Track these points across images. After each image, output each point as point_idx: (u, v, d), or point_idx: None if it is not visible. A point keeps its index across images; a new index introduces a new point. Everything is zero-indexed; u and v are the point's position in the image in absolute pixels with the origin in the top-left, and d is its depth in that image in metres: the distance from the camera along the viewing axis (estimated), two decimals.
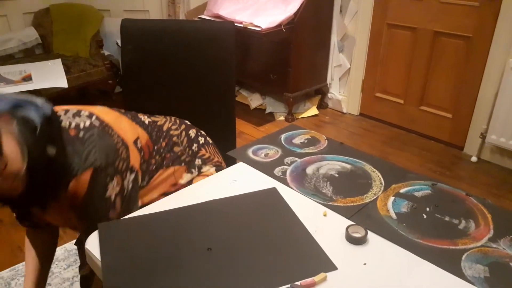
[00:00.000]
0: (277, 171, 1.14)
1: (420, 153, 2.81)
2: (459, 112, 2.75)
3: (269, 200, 1.01)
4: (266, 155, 1.22)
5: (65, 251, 1.93)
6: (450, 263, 0.83)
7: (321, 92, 3.49)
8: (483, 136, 2.59)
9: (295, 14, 2.92)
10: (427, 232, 0.91)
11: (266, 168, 1.15)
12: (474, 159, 2.67)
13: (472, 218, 0.96)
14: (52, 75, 2.55)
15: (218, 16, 3.16)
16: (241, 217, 0.95)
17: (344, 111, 3.42)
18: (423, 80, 2.89)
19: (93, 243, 0.86)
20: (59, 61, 2.80)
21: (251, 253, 0.84)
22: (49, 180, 0.86)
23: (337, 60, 3.31)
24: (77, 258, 1.88)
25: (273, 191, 1.04)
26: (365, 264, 0.82)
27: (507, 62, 2.33)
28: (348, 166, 1.17)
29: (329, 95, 3.48)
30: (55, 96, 3.22)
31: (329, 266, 0.82)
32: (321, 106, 3.50)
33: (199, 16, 3.35)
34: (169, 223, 0.93)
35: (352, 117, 3.38)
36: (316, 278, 0.78)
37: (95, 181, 0.91)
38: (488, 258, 0.84)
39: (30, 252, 1.20)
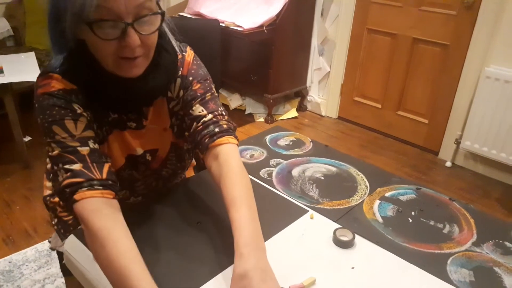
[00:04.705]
0: (263, 172, 1.12)
1: (396, 157, 2.85)
2: (435, 118, 2.81)
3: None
4: (252, 156, 1.20)
5: (36, 251, 1.85)
6: (436, 267, 0.83)
7: (301, 95, 3.50)
8: (457, 142, 2.65)
9: (277, 15, 2.92)
10: (413, 236, 0.92)
11: (252, 169, 1.13)
12: (448, 164, 2.74)
13: (456, 223, 0.97)
14: (25, 68, 2.45)
15: (199, 15, 3.13)
16: (211, 194, 1.01)
17: (323, 114, 3.44)
18: (401, 86, 2.94)
19: (72, 246, 0.82)
20: (32, 54, 2.68)
21: None
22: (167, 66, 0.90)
23: (317, 63, 3.33)
24: (49, 259, 1.81)
25: None
26: (353, 268, 0.82)
27: (482, 71, 2.40)
28: (334, 169, 1.17)
29: (308, 97, 3.49)
30: (28, 90, 3.11)
31: (301, 211, 0.97)
32: (300, 108, 3.51)
33: (180, 14, 3.30)
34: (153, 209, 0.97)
35: (330, 120, 3.40)
36: (305, 282, 0.77)
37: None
38: (473, 263, 0.85)
39: (116, 233, 0.72)
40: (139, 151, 0.95)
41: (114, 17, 0.72)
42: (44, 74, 0.82)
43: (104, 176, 0.76)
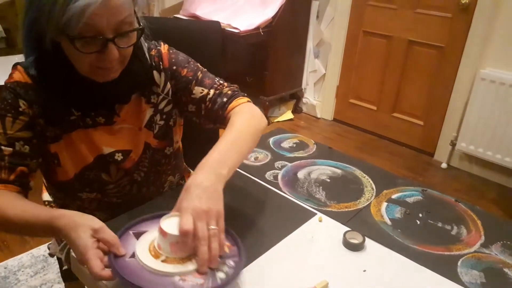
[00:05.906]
0: (269, 175, 1.11)
1: (392, 159, 2.87)
2: (430, 120, 2.83)
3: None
4: (256, 158, 1.20)
5: (32, 257, 1.82)
6: (447, 269, 0.83)
7: (296, 97, 3.51)
8: (453, 144, 2.68)
9: (273, 17, 2.92)
10: (422, 238, 0.91)
11: (257, 172, 1.12)
12: (444, 165, 2.76)
13: (463, 224, 0.97)
14: None
15: (195, 16, 3.12)
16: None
17: (318, 116, 3.45)
18: (396, 88, 2.95)
19: None
20: None
21: (243, 224, 0.90)
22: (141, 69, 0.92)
23: (312, 66, 3.33)
24: (45, 265, 1.78)
25: None
26: (365, 270, 0.81)
27: (477, 73, 2.42)
28: (339, 171, 1.16)
29: (304, 100, 3.50)
30: None
31: (309, 214, 0.95)
32: (296, 110, 3.51)
33: (175, 16, 3.28)
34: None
35: (326, 122, 3.41)
36: (318, 285, 0.76)
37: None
38: (483, 264, 0.85)
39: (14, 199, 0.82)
40: (106, 150, 0.92)
41: (96, 33, 0.74)
42: (14, 66, 0.87)
43: (12, 178, 0.83)
